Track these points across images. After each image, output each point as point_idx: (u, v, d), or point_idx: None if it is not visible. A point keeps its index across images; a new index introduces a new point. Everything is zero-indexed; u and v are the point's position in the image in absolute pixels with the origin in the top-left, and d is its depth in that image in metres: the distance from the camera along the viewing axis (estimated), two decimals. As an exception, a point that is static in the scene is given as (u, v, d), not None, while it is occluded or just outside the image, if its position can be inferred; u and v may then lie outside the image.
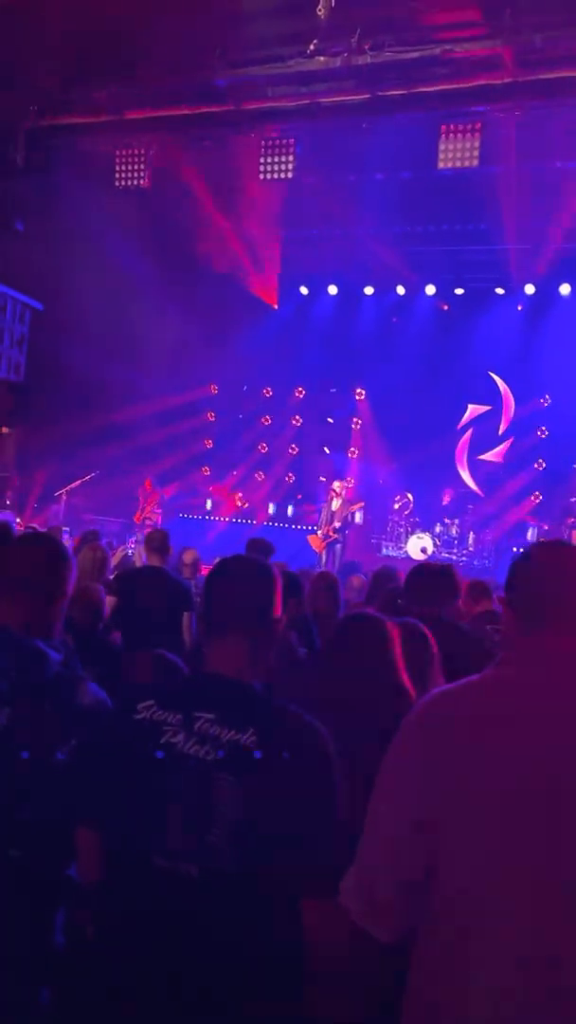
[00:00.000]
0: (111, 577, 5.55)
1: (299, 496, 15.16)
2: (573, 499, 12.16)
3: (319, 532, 12.39)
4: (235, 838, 1.55)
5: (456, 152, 9.06)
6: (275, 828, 1.55)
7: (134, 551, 10.25)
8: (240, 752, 1.59)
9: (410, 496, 13.23)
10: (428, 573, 3.65)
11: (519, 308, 13.43)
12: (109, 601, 4.48)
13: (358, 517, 13.27)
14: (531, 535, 9.93)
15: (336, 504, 12.35)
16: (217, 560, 1.91)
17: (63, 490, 12.21)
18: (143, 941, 1.62)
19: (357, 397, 14.99)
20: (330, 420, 15.32)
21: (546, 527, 11.05)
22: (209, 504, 15.41)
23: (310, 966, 1.56)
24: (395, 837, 1.50)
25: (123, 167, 10.83)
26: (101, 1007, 1.65)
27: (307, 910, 1.57)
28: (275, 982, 1.56)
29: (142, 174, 10.77)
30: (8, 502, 12.92)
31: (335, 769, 1.62)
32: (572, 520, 10.19)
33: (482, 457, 14.23)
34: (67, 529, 10.38)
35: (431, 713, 1.56)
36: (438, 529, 12.82)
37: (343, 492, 12.55)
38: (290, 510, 15.07)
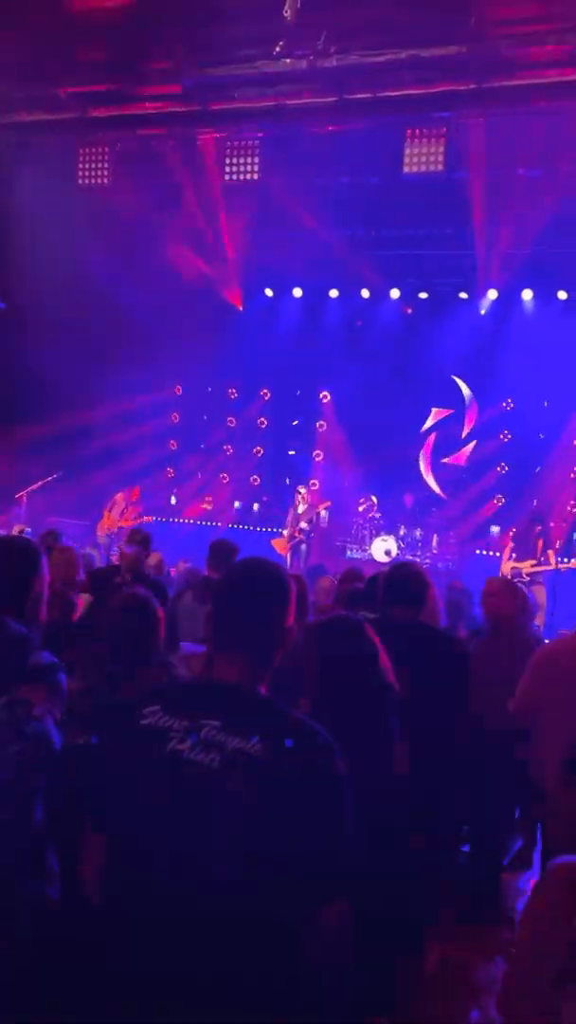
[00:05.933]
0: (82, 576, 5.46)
1: (265, 498, 15.14)
2: (536, 502, 12.30)
3: (284, 535, 12.37)
4: (236, 847, 1.53)
5: (422, 157, 9.12)
6: (277, 838, 1.53)
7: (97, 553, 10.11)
8: (244, 760, 1.58)
9: (374, 499, 13.26)
10: (402, 576, 3.64)
11: (482, 312, 13.56)
12: (84, 598, 4.43)
13: (323, 514, 13.28)
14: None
15: (301, 507, 12.35)
16: (204, 570, 1.91)
17: (24, 492, 12.00)
18: (140, 944, 1.60)
19: (322, 400, 15.01)
20: (295, 422, 15.33)
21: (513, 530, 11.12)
22: (174, 500, 15.33)
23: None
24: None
25: (86, 165, 10.73)
26: (93, 1010, 1.63)
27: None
28: (273, 992, 1.53)
29: (105, 172, 10.68)
30: (-33, 504, 12.67)
31: (341, 778, 1.61)
32: (539, 528, 10.25)
33: (445, 460, 14.34)
34: (29, 529, 10.20)
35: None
36: (402, 531, 12.88)
37: (307, 494, 12.56)
38: (256, 507, 15.04)
